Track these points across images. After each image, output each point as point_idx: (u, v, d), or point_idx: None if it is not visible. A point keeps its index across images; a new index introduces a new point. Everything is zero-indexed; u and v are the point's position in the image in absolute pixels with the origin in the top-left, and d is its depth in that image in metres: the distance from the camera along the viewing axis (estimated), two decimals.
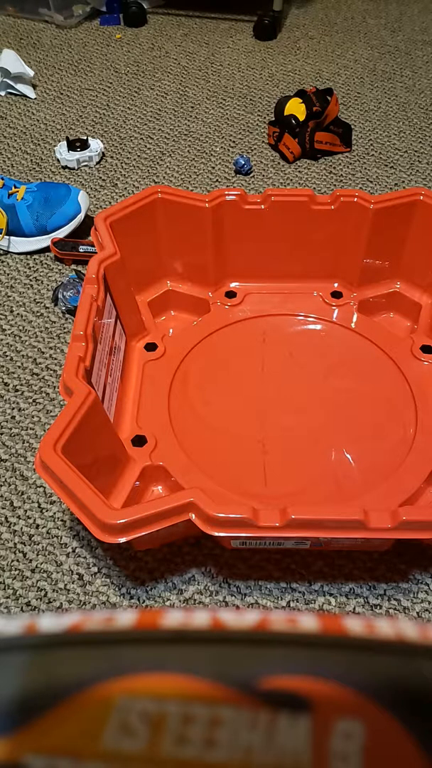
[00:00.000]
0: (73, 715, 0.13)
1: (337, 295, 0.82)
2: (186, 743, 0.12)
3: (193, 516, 0.52)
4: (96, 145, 1.12)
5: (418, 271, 0.80)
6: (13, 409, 0.75)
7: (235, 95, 1.31)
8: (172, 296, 0.82)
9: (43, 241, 0.94)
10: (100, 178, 1.10)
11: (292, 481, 0.65)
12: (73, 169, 1.11)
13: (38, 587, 0.61)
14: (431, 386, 0.73)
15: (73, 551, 0.63)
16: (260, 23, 1.48)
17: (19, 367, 0.79)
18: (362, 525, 0.51)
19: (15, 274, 0.92)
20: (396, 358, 0.76)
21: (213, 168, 1.12)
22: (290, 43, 1.49)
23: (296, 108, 1.12)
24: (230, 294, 0.83)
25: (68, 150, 1.10)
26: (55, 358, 0.80)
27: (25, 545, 0.63)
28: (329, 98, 1.12)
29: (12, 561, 0.62)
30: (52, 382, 0.77)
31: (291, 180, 1.09)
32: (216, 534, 0.51)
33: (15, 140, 1.18)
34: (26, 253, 0.95)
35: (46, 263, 0.93)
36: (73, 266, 0.92)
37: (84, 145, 1.11)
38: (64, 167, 1.11)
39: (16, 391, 0.77)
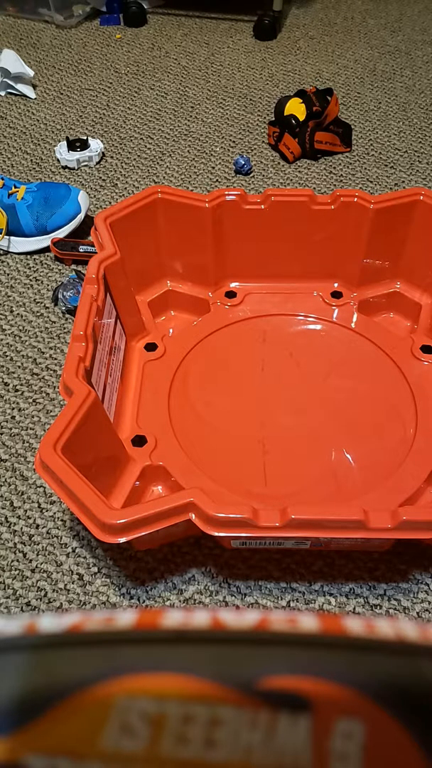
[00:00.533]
0: (73, 715, 0.13)
1: (337, 295, 0.82)
2: (186, 743, 0.12)
3: (193, 516, 0.52)
4: (96, 145, 1.12)
5: (418, 271, 0.80)
6: (13, 409, 0.75)
7: (235, 95, 1.31)
8: (172, 296, 0.82)
9: (43, 241, 0.94)
10: (100, 178, 1.10)
11: (292, 481, 0.65)
12: (73, 169, 1.11)
13: (38, 587, 0.61)
14: (431, 386, 0.73)
15: (73, 551, 0.63)
16: (260, 23, 1.48)
17: (19, 367, 0.79)
18: (362, 525, 0.51)
19: (15, 274, 0.92)
20: (396, 358, 0.76)
21: (213, 168, 1.12)
22: (290, 43, 1.49)
23: (296, 108, 1.12)
24: (230, 294, 0.83)
25: (68, 150, 1.10)
26: (55, 358, 0.80)
27: (25, 545, 0.63)
28: (329, 98, 1.12)
29: (12, 561, 0.62)
30: (52, 382, 0.77)
31: (291, 180, 1.09)
32: (216, 534, 0.51)
33: (15, 140, 1.18)
34: (26, 253, 0.95)
35: (46, 263, 0.93)
36: (73, 266, 0.92)
37: (84, 145, 1.11)
38: (64, 167, 1.11)
39: (16, 391, 0.77)
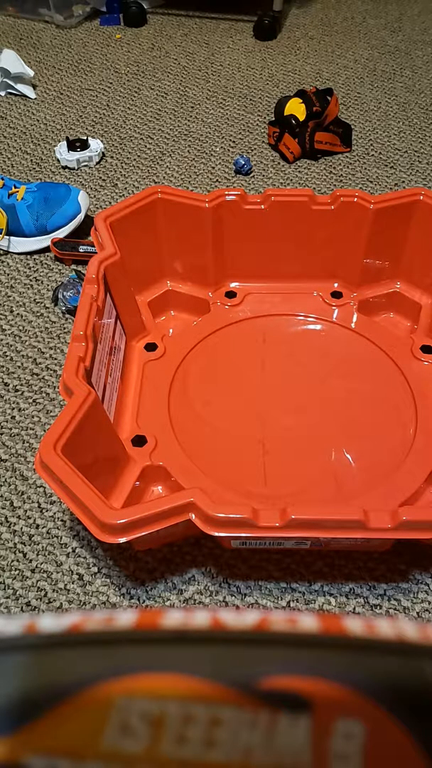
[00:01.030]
0: (73, 715, 0.13)
1: (337, 295, 0.82)
2: (186, 743, 0.12)
3: (193, 516, 0.52)
4: (96, 145, 1.12)
5: (418, 271, 0.80)
6: (13, 409, 0.75)
7: (235, 95, 1.31)
8: (172, 296, 0.82)
9: (43, 241, 0.94)
10: (100, 178, 1.10)
11: (292, 481, 0.65)
12: (73, 169, 1.11)
13: (38, 587, 0.61)
14: (431, 386, 0.73)
15: (73, 551, 0.63)
16: (260, 23, 1.48)
17: (19, 367, 0.79)
18: (362, 525, 0.51)
19: (15, 274, 0.92)
20: (396, 358, 0.76)
21: (213, 168, 1.12)
22: (290, 43, 1.49)
23: (296, 108, 1.12)
24: (230, 294, 0.83)
25: (68, 150, 1.10)
26: (55, 358, 0.80)
27: (25, 545, 0.63)
28: (329, 98, 1.12)
29: (12, 561, 0.62)
30: (52, 382, 0.77)
31: (291, 180, 1.09)
32: (216, 534, 0.51)
33: (15, 140, 1.18)
34: (26, 253, 0.95)
35: (46, 263, 0.93)
36: (73, 266, 0.92)
37: (84, 145, 1.11)
38: (64, 167, 1.11)
39: (16, 391, 0.77)
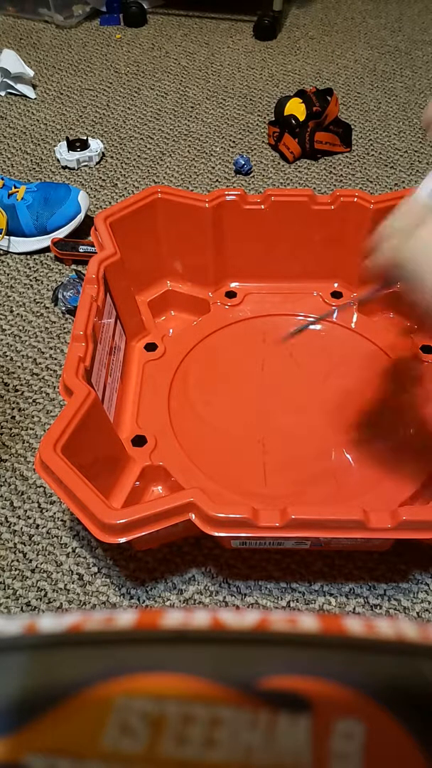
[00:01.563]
0: (73, 715, 0.13)
1: (337, 295, 0.82)
2: (186, 743, 0.12)
3: (193, 516, 0.52)
4: (96, 145, 1.12)
5: None
6: (13, 409, 0.75)
7: (235, 95, 1.31)
8: (172, 296, 0.82)
9: (43, 241, 0.94)
10: (100, 178, 1.10)
11: (292, 481, 0.65)
12: (73, 169, 1.11)
13: (38, 587, 0.61)
14: (431, 386, 0.73)
15: (73, 551, 0.63)
16: (260, 23, 1.48)
17: (19, 367, 0.79)
18: (362, 525, 0.51)
19: (15, 274, 0.92)
20: (396, 358, 0.76)
21: (213, 168, 1.12)
22: (290, 43, 1.49)
23: (296, 108, 1.12)
24: (230, 294, 0.83)
25: (68, 150, 1.10)
26: (55, 358, 0.80)
27: (25, 545, 0.63)
28: (329, 98, 1.12)
29: (12, 561, 0.62)
30: (52, 382, 0.77)
31: (291, 180, 1.09)
32: (216, 534, 0.51)
33: (15, 140, 1.18)
34: (26, 253, 0.95)
35: (46, 263, 0.93)
36: (73, 266, 0.92)
37: (84, 145, 1.11)
38: (64, 167, 1.11)
39: (16, 391, 0.77)
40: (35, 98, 1.30)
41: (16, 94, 1.30)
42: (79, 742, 0.13)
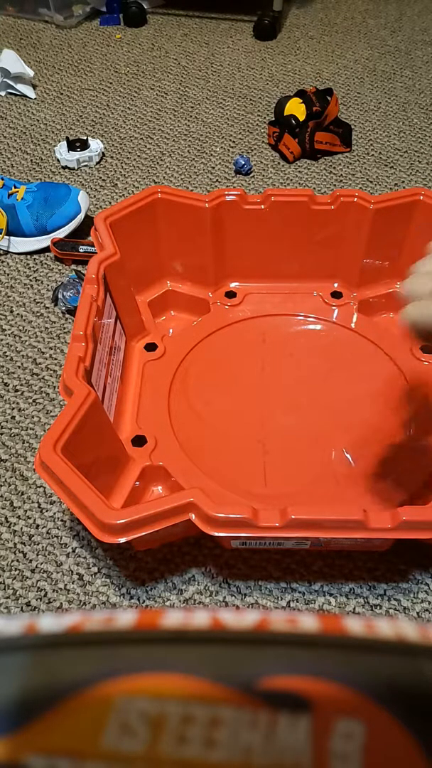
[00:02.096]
0: (73, 715, 0.13)
1: (337, 295, 0.82)
2: (186, 743, 0.12)
3: (193, 516, 0.52)
4: (96, 145, 1.12)
5: None
6: (13, 409, 0.75)
7: (235, 95, 1.31)
8: (171, 296, 0.82)
9: (43, 241, 0.94)
10: (100, 178, 1.10)
11: (292, 481, 0.65)
12: (73, 169, 1.11)
13: (38, 587, 0.61)
14: (431, 386, 0.73)
15: (73, 551, 0.63)
16: (260, 23, 1.48)
17: (19, 367, 0.79)
18: (362, 525, 0.51)
19: (15, 274, 0.92)
20: (396, 358, 0.76)
21: (213, 168, 1.12)
22: (290, 43, 1.49)
23: (296, 108, 1.12)
24: (230, 294, 0.83)
25: (68, 150, 1.10)
26: (55, 358, 0.80)
27: (25, 545, 0.63)
28: (329, 98, 1.12)
29: (12, 561, 0.62)
30: (52, 382, 0.77)
31: (291, 180, 1.09)
32: (216, 534, 0.51)
33: (15, 140, 1.18)
34: (26, 253, 0.95)
35: (46, 263, 0.93)
36: (73, 266, 0.92)
37: (84, 145, 1.11)
38: (64, 167, 1.11)
39: (16, 391, 0.77)
40: (35, 98, 1.30)
41: (16, 94, 1.30)
42: (79, 742, 0.13)
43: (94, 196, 1.06)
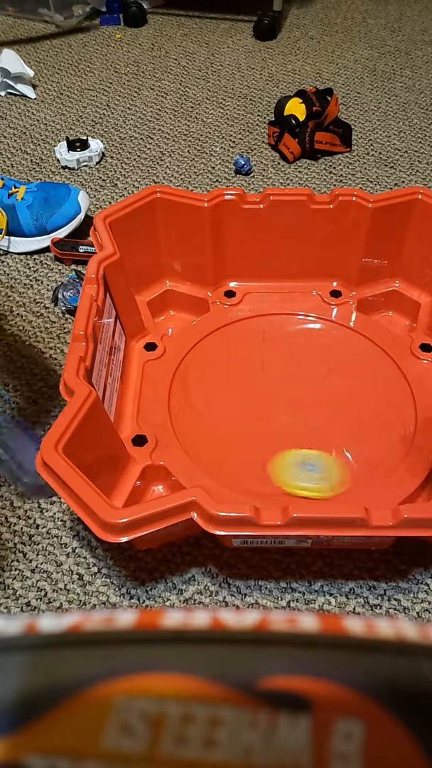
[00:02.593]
0: (73, 715, 0.13)
1: (336, 294, 0.82)
2: (186, 743, 0.12)
3: (195, 515, 0.52)
4: (96, 145, 1.12)
5: (416, 269, 0.80)
6: (13, 409, 0.75)
7: (235, 95, 1.31)
8: (171, 296, 0.82)
9: (43, 241, 0.94)
10: (100, 178, 1.10)
11: None
12: (73, 169, 1.11)
13: (38, 587, 0.61)
14: (430, 384, 0.73)
15: (73, 551, 0.63)
16: (260, 23, 1.48)
17: (19, 367, 0.79)
18: (364, 523, 0.51)
19: (15, 274, 0.92)
20: (395, 357, 0.76)
21: (213, 168, 1.12)
22: (290, 43, 1.49)
23: (296, 108, 1.12)
24: (229, 293, 0.83)
25: (68, 150, 1.10)
26: (55, 358, 0.80)
27: (25, 545, 0.63)
28: (329, 98, 1.12)
29: (12, 561, 0.62)
30: (52, 382, 0.77)
31: (291, 180, 1.09)
32: (218, 533, 0.51)
33: (15, 140, 1.18)
34: (26, 253, 0.95)
35: (46, 263, 0.93)
36: (73, 266, 0.92)
37: (84, 145, 1.11)
38: (64, 167, 1.11)
39: (16, 391, 0.77)
40: (35, 98, 1.30)
41: (16, 94, 1.30)
42: (79, 742, 0.13)
43: (94, 196, 1.06)
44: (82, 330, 0.62)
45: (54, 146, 1.16)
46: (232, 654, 0.14)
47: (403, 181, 1.09)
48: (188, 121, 1.23)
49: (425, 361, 0.75)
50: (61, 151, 1.11)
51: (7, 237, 0.93)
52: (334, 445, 0.68)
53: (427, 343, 0.77)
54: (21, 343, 0.82)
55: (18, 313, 0.86)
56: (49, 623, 0.15)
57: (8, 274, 0.92)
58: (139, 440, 0.67)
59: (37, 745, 0.13)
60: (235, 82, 1.35)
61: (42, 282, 0.90)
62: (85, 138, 1.11)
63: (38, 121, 1.23)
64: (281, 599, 0.60)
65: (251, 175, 1.10)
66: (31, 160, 1.13)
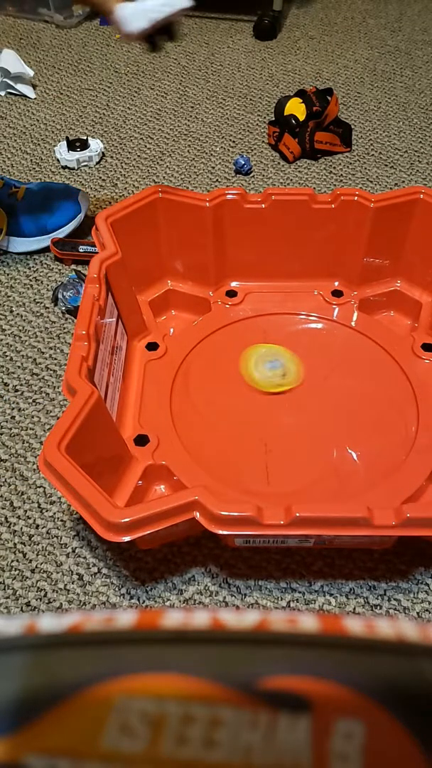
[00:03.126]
0: (73, 715, 0.13)
1: (337, 293, 0.82)
2: (186, 743, 0.12)
3: (198, 514, 0.52)
4: (96, 145, 1.12)
5: (418, 269, 0.80)
6: (13, 409, 0.75)
7: (235, 95, 1.31)
8: (172, 296, 0.82)
9: (43, 241, 0.94)
10: (100, 178, 1.10)
11: (294, 479, 0.65)
12: (73, 169, 1.11)
13: (38, 587, 0.61)
14: None
15: (73, 551, 0.63)
16: (260, 23, 1.48)
17: (19, 367, 0.79)
18: (366, 522, 0.51)
19: (15, 274, 0.92)
20: (397, 357, 0.76)
21: (213, 168, 1.12)
22: (290, 43, 1.49)
23: (296, 108, 1.12)
24: (231, 293, 0.83)
25: (68, 150, 1.10)
26: (55, 358, 0.80)
27: (25, 545, 0.63)
28: (329, 98, 1.12)
29: (12, 561, 0.62)
30: (52, 382, 0.77)
31: (291, 180, 1.09)
32: (220, 532, 0.51)
33: (15, 140, 1.18)
34: (26, 253, 0.95)
35: (46, 263, 0.93)
36: (73, 266, 0.92)
37: (84, 145, 1.11)
38: (64, 167, 1.11)
39: (16, 391, 0.77)
40: (35, 98, 1.30)
41: (16, 94, 1.30)
42: (79, 742, 0.13)
43: (94, 196, 1.06)
44: (84, 330, 0.62)
45: (54, 146, 1.16)
46: (232, 654, 0.14)
47: (404, 181, 1.09)
48: (188, 121, 1.23)
49: (427, 361, 0.75)
50: (61, 151, 1.11)
51: (7, 237, 0.93)
52: (335, 445, 0.68)
53: (429, 342, 0.77)
54: (21, 343, 0.82)
55: (18, 313, 0.86)
56: (49, 623, 0.15)
57: (8, 274, 0.92)
58: (141, 440, 0.67)
59: (37, 745, 0.13)
60: (235, 82, 1.35)
61: (42, 282, 0.90)
62: (85, 138, 1.11)
63: (38, 121, 1.23)
64: (281, 599, 0.60)
65: (251, 175, 1.10)
66: (31, 160, 1.13)
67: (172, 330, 0.81)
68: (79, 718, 0.13)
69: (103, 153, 1.14)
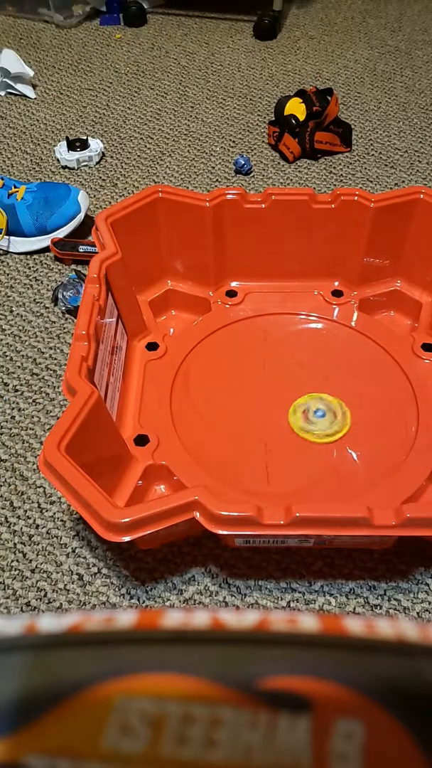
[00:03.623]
0: (73, 715, 0.13)
1: (337, 293, 0.82)
2: (186, 743, 0.12)
3: (198, 514, 0.52)
4: (96, 145, 1.12)
5: (418, 269, 0.80)
6: (13, 409, 0.75)
7: (235, 95, 1.31)
8: (172, 296, 0.82)
9: (43, 241, 0.94)
10: (100, 178, 1.10)
11: (294, 479, 0.65)
12: (73, 169, 1.11)
13: (38, 587, 0.61)
14: None
15: (73, 551, 0.63)
16: (260, 23, 1.48)
17: (19, 367, 0.79)
18: (366, 522, 0.51)
19: (15, 274, 0.92)
20: (397, 357, 0.76)
21: (213, 168, 1.12)
22: (290, 43, 1.49)
23: (296, 108, 1.12)
24: (231, 293, 0.83)
25: (68, 150, 1.10)
26: (55, 358, 0.80)
27: (25, 545, 0.63)
28: (329, 98, 1.12)
29: (12, 561, 0.62)
30: (52, 382, 0.77)
31: (291, 180, 1.09)
32: (221, 532, 0.51)
33: (15, 140, 1.18)
34: (26, 253, 0.95)
35: (46, 263, 0.93)
36: (73, 266, 0.92)
37: (84, 145, 1.11)
38: (64, 167, 1.11)
39: (16, 391, 0.77)
40: (35, 98, 1.30)
41: (16, 94, 1.30)
42: (79, 742, 0.13)
43: (94, 196, 1.06)
44: (84, 329, 0.62)
45: (54, 146, 1.16)
46: (232, 654, 0.14)
47: (404, 181, 1.09)
48: (188, 121, 1.23)
49: (427, 361, 0.75)
50: (61, 150, 1.11)
51: (7, 237, 0.93)
52: (335, 445, 0.68)
53: (429, 342, 0.77)
54: (21, 343, 0.82)
55: (18, 313, 0.86)
56: (49, 623, 0.15)
57: (8, 274, 0.92)
58: (141, 440, 0.67)
59: (37, 745, 0.12)
60: (235, 82, 1.35)
61: (42, 282, 0.90)
62: (85, 138, 1.11)
63: (38, 121, 1.23)
64: (281, 599, 0.60)
65: (251, 175, 1.10)
66: (31, 160, 1.13)
67: (172, 330, 0.81)
68: (79, 718, 0.13)
69: (103, 153, 1.14)
